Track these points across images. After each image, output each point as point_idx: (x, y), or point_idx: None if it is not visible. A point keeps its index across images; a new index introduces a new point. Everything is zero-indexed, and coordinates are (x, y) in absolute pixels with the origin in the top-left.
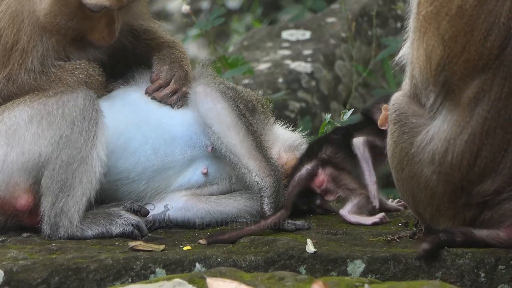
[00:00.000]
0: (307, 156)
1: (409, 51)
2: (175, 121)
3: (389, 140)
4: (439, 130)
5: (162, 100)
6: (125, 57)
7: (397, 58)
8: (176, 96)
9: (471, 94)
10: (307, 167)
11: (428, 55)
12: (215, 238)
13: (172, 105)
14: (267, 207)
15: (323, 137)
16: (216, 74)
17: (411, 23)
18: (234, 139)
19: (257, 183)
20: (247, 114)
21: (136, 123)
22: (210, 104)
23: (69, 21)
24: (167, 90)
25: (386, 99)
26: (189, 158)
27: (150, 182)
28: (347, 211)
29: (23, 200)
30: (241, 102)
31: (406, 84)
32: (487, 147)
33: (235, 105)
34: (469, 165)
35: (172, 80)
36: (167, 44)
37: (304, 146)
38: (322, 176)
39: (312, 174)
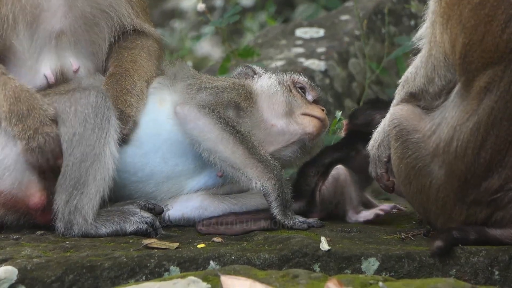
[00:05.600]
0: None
1: (429, 31)
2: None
3: (393, 156)
4: (447, 117)
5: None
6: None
7: (415, 39)
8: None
9: (483, 83)
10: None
11: (452, 42)
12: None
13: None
14: (275, 210)
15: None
16: (193, 71)
17: (431, 5)
18: (225, 153)
19: (260, 189)
20: (232, 121)
21: (147, 132)
22: (191, 124)
23: None
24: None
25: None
26: (201, 166)
27: (159, 186)
28: (351, 215)
29: (36, 198)
30: (222, 107)
31: (417, 68)
32: (492, 138)
33: (216, 117)
34: (473, 155)
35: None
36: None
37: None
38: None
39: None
